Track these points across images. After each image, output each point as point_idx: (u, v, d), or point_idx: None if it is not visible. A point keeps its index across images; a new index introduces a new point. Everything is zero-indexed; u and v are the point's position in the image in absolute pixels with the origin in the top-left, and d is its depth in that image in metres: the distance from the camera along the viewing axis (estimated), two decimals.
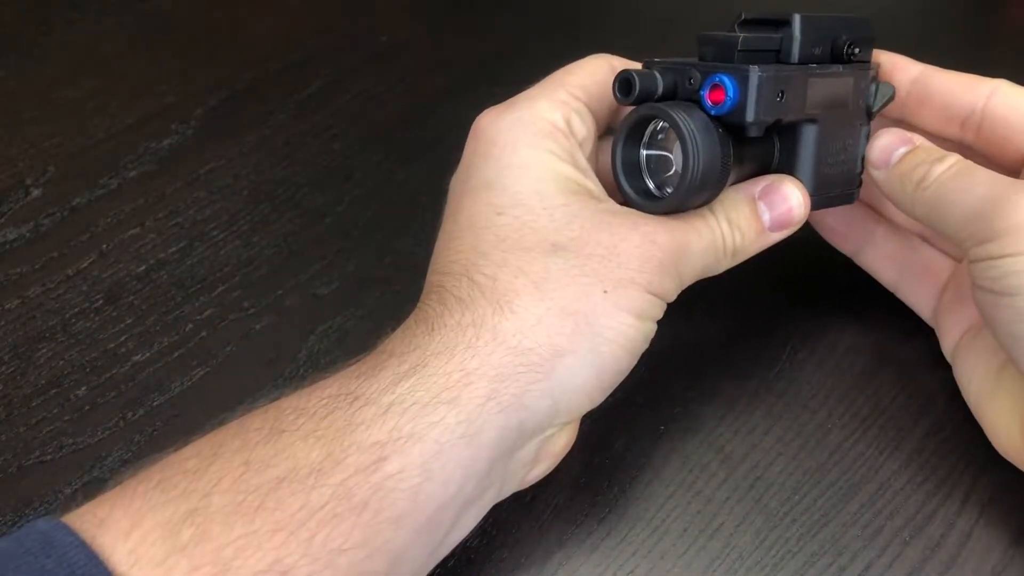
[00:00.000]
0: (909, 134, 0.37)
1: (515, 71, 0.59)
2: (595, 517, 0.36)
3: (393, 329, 0.31)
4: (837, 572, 0.35)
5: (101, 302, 0.45)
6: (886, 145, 0.37)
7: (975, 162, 0.36)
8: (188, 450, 0.29)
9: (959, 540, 0.36)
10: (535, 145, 0.34)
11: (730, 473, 0.38)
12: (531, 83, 0.36)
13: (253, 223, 0.49)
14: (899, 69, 0.39)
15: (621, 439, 0.38)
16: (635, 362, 0.33)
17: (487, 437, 0.30)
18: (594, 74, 0.36)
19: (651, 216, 0.33)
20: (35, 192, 0.50)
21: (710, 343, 0.42)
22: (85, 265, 0.46)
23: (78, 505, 0.27)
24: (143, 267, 0.46)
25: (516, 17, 0.64)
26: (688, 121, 0.32)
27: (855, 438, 0.39)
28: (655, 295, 0.33)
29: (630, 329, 0.32)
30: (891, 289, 0.42)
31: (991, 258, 0.32)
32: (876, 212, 0.42)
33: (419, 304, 0.33)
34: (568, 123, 0.35)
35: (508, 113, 0.35)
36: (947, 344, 0.40)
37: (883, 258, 0.42)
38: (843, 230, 0.43)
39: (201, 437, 0.29)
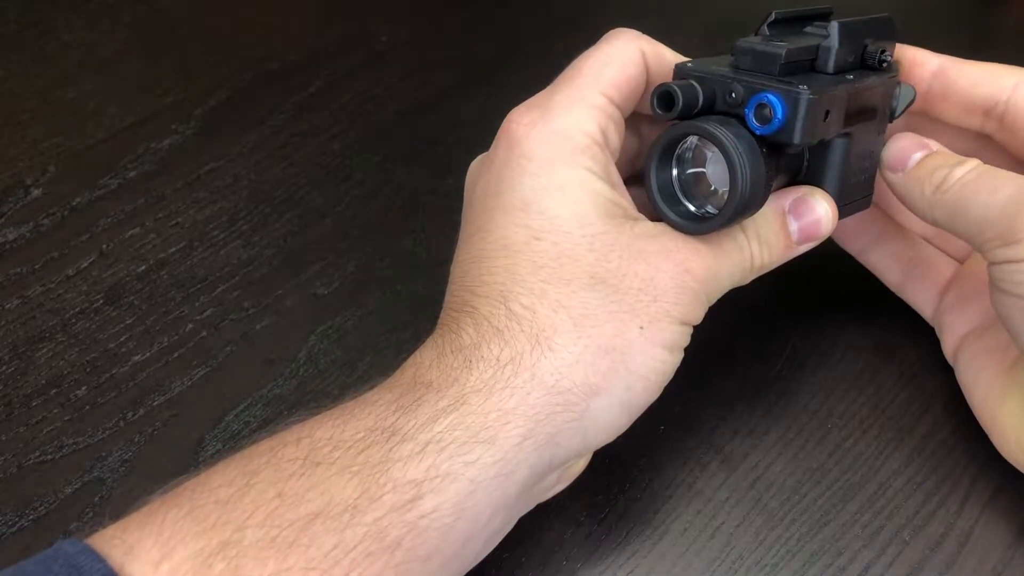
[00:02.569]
0: (925, 140, 0.37)
1: (515, 71, 0.59)
2: (595, 517, 0.36)
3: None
4: (837, 572, 0.35)
5: (101, 302, 0.45)
6: (902, 149, 0.37)
7: (995, 154, 0.35)
8: (218, 476, 0.28)
9: (959, 540, 0.36)
10: (573, 163, 0.33)
11: (730, 473, 0.38)
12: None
13: (253, 223, 0.49)
14: (919, 64, 0.38)
15: (621, 439, 0.38)
16: (660, 393, 0.33)
17: (521, 475, 0.30)
18: (626, 67, 0.35)
19: (683, 239, 0.33)
20: (35, 192, 0.50)
21: (710, 343, 0.42)
22: (85, 265, 0.46)
23: (97, 517, 0.27)
24: (143, 267, 0.46)
25: (515, 17, 0.64)
26: (737, 144, 0.31)
27: (855, 438, 0.39)
28: (686, 324, 0.33)
29: (662, 364, 0.32)
30: (894, 289, 0.42)
31: (1016, 260, 0.32)
32: (885, 212, 0.42)
33: (449, 321, 0.33)
34: (604, 134, 0.34)
35: (544, 123, 0.34)
36: (948, 344, 0.40)
37: (888, 257, 0.42)
38: (854, 229, 0.42)
39: (230, 459, 0.29)
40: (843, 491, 0.37)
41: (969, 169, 0.35)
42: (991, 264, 0.34)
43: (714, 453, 0.38)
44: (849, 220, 0.42)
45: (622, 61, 0.35)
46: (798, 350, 0.42)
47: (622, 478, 0.37)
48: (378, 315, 0.44)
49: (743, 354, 0.42)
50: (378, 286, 0.46)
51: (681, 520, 0.36)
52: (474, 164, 0.37)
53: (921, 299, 0.41)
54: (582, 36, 0.37)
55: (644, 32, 0.36)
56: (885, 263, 0.42)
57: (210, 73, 0.58)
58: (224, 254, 0.47)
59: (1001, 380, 0.37)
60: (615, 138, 0.35)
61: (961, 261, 0.41)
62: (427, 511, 0.28)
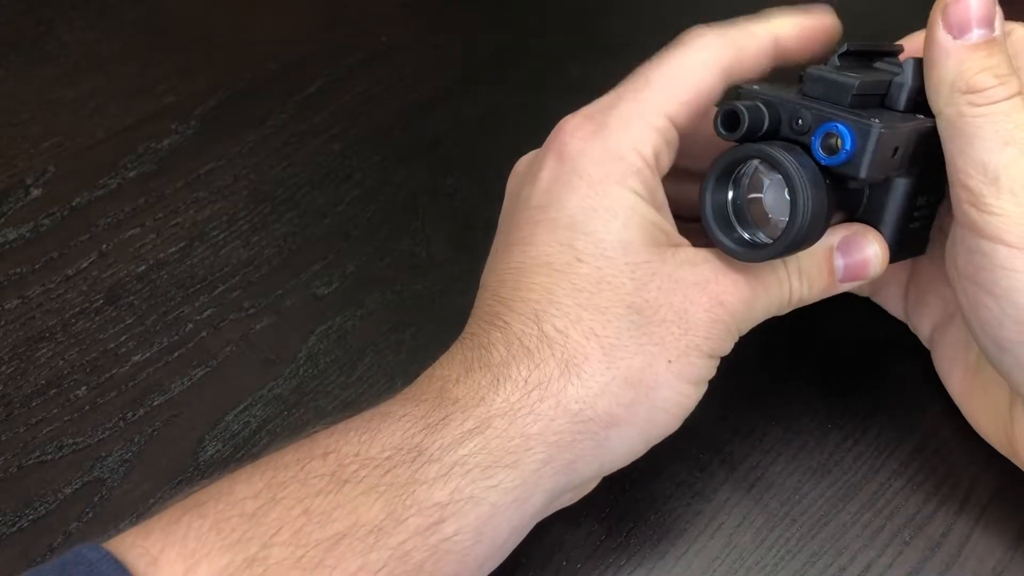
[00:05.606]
0: (995, 14, 0.31)
1: (515, 71, 0.59)
2: (595, 517, 0.36)
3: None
4: (837, 572, 0.35)
5: (101, 302, 0.45)
6: (965, 17, 0.31)
7: None
8: (244, 486, 0.28)
9: (959, 540, 0.36)
10: (623, 184, 0.32)
11: (730, 473, 0.38)
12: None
13: (253, 223, 0.49)
14: None
15: None
16: (680, 424, 0.33)
17: (537, 499, 0.30)
18: (699, 84, 0.33)
19: (723, 270, 0.32)
20: (35, 192, 0.50)
21: None
22: (85, 265, 0.46)
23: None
24: (143, 267, 0.46)
25: (516, 16, 0.64)
26: (802, 173, 0.30)
27: (855, 438, 0.39)
28: (714, 357, 0.32)
29: (686, 399, 0.32)
30: (869, 296, 0.42)
31: (986, 236, 0.30)
32: None
33: (479, 332, 0.32)
34: (657, 157, 0.33)
35: (599, 140, 0.33)
36: (923, 340, 0.40)
37: None
38: None
39: (255, 467, 0.29)
40: (843, 491, 0.37)
41: (1010, 94, 0.30)
42: (958, 242, 0.32)
43: (714, 453, 0.38)
44: None
45: (695, 77, 0.33)
46: (798, 350, 0.42)
47: (622, 478, 0.37)
48: (378, 315, 0.44)
49: (743, 354, 0.42)
50: (378, 286, 0.46)
51: (681, 520, 0.36)
52: (519, 166, 0.36)
53: (890, 302, 0.41)
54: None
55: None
56: None
57: (210, 73, 0.58)
58: (224, 254, 0.47)
59: (971, 378, 0.37)
60: (666, 161, 0.34)
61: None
62: (449, 535, 0.28)
